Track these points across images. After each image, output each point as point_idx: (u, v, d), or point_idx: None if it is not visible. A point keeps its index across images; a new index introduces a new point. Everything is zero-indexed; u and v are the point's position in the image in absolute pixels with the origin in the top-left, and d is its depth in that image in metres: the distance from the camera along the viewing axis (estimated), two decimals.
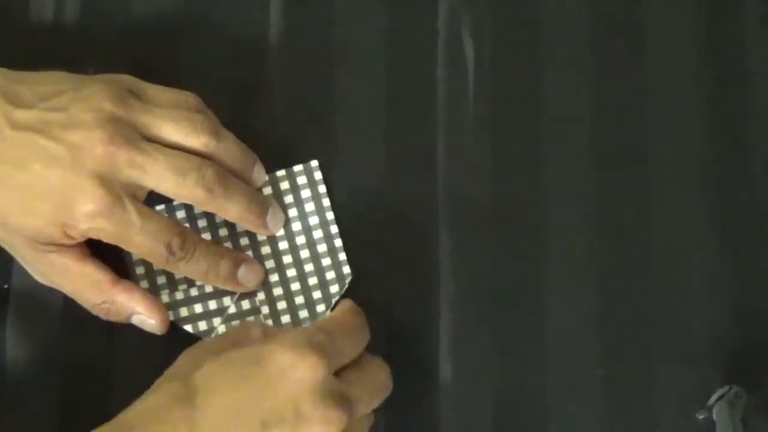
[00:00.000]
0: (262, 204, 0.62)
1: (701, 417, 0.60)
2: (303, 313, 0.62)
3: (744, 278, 0.63)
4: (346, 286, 0.62)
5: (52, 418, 0.61)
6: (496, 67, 0.66)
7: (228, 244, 0.63)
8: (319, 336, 0.54)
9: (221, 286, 0.61)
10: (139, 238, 0.57)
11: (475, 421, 0.62)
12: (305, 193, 0.64)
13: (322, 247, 0.63)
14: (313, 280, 0.62)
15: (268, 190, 0.63)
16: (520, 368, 0.62)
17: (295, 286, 0.62)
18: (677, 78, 0.65)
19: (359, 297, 0.62)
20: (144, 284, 0.62)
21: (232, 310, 0.62)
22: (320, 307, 0.62)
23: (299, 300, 0.62)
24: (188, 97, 0.61)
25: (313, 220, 0.63)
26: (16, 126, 0.57)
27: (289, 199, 0.64)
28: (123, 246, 0.58)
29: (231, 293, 0.62)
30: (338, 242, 0.63)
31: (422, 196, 0.64)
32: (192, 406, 0.52)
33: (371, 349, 0.61)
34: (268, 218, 0.62)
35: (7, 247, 0.60)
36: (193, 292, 0.62)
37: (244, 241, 0.63)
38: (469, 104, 0.65)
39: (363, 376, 0.56)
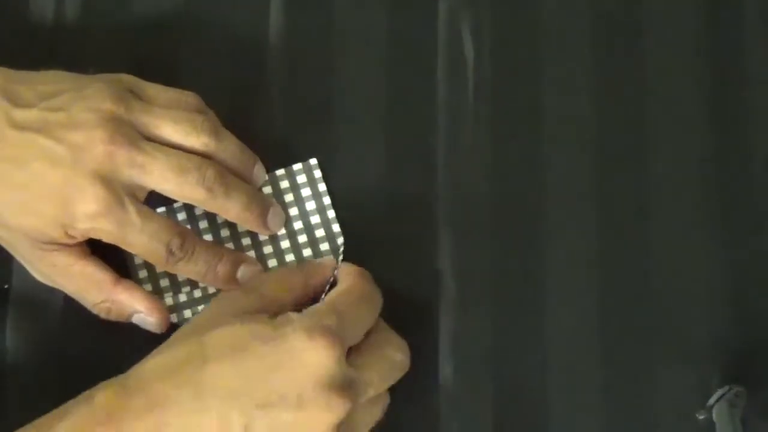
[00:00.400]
0: (263, 203, 0.62)
1: (701, 417, 0.60)
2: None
3: (744, 279, 0.63)
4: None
5: None
6: (496, 67, 0.66)
7: (230, 245, 0.63)
8: (331, 318, 0.54)
9: (221, 287, 0.61)
10: (139, 239, 0.57)
11: (475, 421, 0.62)
12: (305, 192, 0.64)
13: (323, 246, 0.63)
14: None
15: (267, 189, 0.63)
16: (520, 368, 0.62)
17: None
18: (677, 78, 0.65)
19: None
20: (147, 287, 0.62)
21: None
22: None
23: None
24: (189, 97, 0.61)
25: (314, 219, 0.63)
26: (16, 125, 0.57)
27: (289, 197, 0.64)
28: (123, 246, 0.58)
29: None
30: (340, 240, 0.63)
31: (422, 196, 0.64)
32: (201, 369, 0.53)
33: None
34: (269, 218, 0.62)
35: (7, 247, 0.60)
36: (197, 293, 0.62)
37: (246, 241, 0.63)
38: (469, 104, 0.65)
39: (376, 356, 0.56)
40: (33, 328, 0.62)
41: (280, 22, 0.66)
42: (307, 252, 0.63)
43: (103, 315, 0.60)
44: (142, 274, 0.62)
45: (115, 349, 0.62)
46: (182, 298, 0.62)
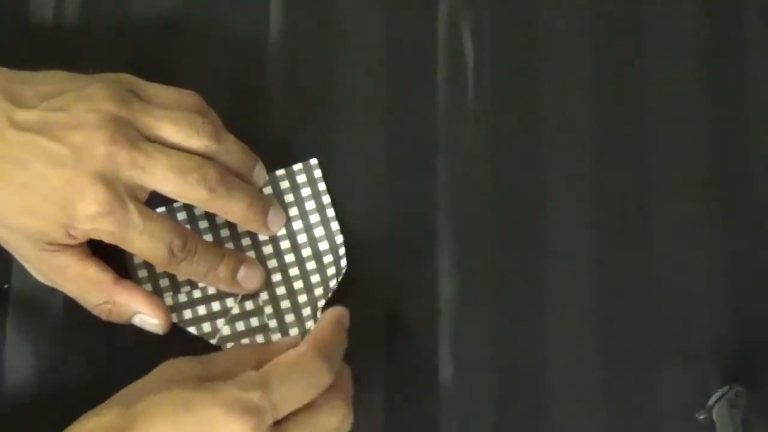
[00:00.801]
0: (264, 204, 0.62)
1: (701, 417, 0.60)
2: (306, 311, 0.62)
3: (744, 278, 0.63)
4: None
5: (52, 419, 0.61)
6: (496, 67, 0.66)
7: (230, 245, 0.63)
8: (256, 392, 0.52)
9: (221, 288, 0.61)
10: (141, 239, 0.57)
11: (475, 421, 0.62)
12: (305, 192, 0.64)
13: (323, 245, 0.63)
14: (315, 278, 0.62)
15: (268, 190, 0.63)
16: (520, 368, 0.62)
17: (298, 285, 0.62)
18: (677, 78, 0.65)
19: (359, 297, 0.62)
20: (147, 287, 0.62)
21: (235, 311, 0.62)
22: (321, 303, 0.62)
23: (302, 298, 0.62)
24: (189, 96, 0.61)
25: (314, 218, 0.63)
26: (17, 126, 0.57)
27: (289, 198, 0.64)
28: (124, 247, 0.58)
29: (234, 294, 0.62)
30: (339, 239, 0.63)
31: (422, 195, 0.64)
32: None
33: (372, 348, 0.61)
34: (269, 218, 0.62)
35: (8, 247, 0.60)
36: (196, 294, 0.62)
37: (246, 241, 0.63)
38: (469, 104, 0.65)
39: (309, 424, 0.54)
40: (33, 328, 0.62)
41: (280, 22, 0.66)
42: (306, 252, 0.63)
43: (103, 317, 0.60)
44: (142, 273, 0.62)
45: (115, 349, 0.62)
46: (182, 298, 0.62)
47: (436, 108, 0.65)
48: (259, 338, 0.61)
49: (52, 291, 0.61)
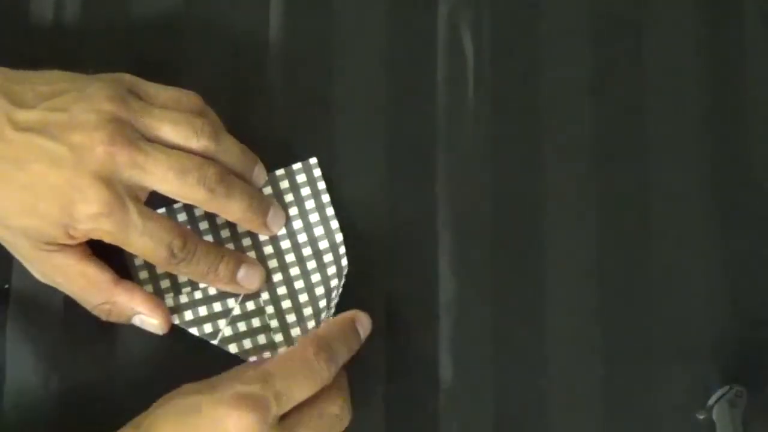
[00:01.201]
0: (264, 204, 0.62)
1: (701, 417, 0.60)
2: (307, 311, 0.62)
3: (744, 278, 0.63)
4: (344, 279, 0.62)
5: (52, 418, 0.61)
6: (496, 67, 0.66)
7: (230, 245, 0.63)
8: (255, 386, 0.54)
9: (222, 288, 0.61)
10: (141, 240, 0.57)
11: (475, 421, 0.62)
12: (305, 191, 0.64)
13: (323, 244, 0.63)
14: (315, 277, 0.62)
15: (267, 190, 0.63)
16: (520, 368, 0.62)
17: (299, 284, 0.62)
18: (677, 78, 0.65)
19: (359, 297, 0.62)
20: (148, 288, 0.62)
21: (236, 311, 0.62)
22: (322, 303, 0.62)
23: (303, 298, 0.62)
24: (189, 96, 0.61)
25: (314, 218, 0.63)
26: (17, 126, 0.56)
27: (289, 197, 0.64)
28: (124, 247, 0.58)
29: (235, 295, 0.62)
30: (339, 237, 0.63)
31: (422, 196, 0.64)
32: None
33: (371, 349, 0.61)
34: (269, 218, 0.62)
35: (8, 247, 0.60)
36: (197, 295, 0.62)
37: (246, 241, 0.63)
38: (469, 104, 0.65)
39: (308, 413, 0.55)
40: (33, 328, 0.62)
41: (280, 22, 0.66)
42: (306, 251, 0.63)
43: (103, 317, 0.60)
44: (143, 275, 0.62)
45: (115, 349, 0.62)
46: (183, 299, 0.62)
47: (436, 108, 0.65)
48: (261, 338, 0.61)
49: (52, 291, 0.61)
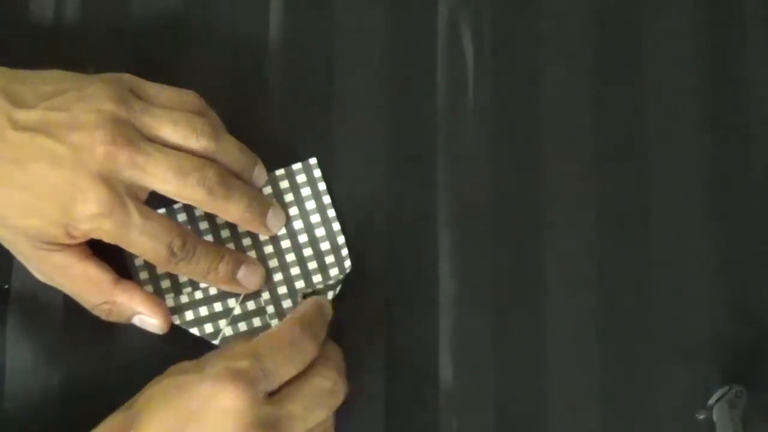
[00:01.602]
0: (263, 204, 0.62)
1: (701, 417, 0.60)
2: None
3: (744, 278, 0.63)
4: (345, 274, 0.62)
5: (53, 418, 0.61)
6: (496, 67, 0.66)
7: (230, 245, 0.63)
8: (244, 362, 0.54)
9: (222, 287, 0.61)
10: (141, 239, 0.57)
11: (475, 421, 0.62)
12: (305, 192, 0.64)
13: (324, 245, 0.63)
14: (317, 278, 0.62)
15: (267, 190, 0.63)
16: (520, 368, 0.62)
17: (299, 284, 0.62)
18: (677, 78, 0.65)
19: (359, 297, 0.62)
20: (148, 289, 0.62)
21: (237, 311, 0.62)
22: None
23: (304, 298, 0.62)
24: (189, 96, 0.61)
25: (315, 218, 0.63)
26: (17, 126, 0.56)
27: (289, 197, 0.64)
28: (124, 246, 0.58)
29: (236, 295, 0.62)
30: (341, 239, 0.63)
31: (422, 196, 0.64)
32: None
33: (372, 348, 0.61)
34: (269, 218, 0.62)
35: (8, 246, 0.60)
36: (198, 294, 0.62)
37: (247, 241, 0.63)
38: (469, 104, 0.65)
39: (300, 388, 0.56)
40: (33, 328, 0.62)
41: (280, 22, 0.66)
42: (307, 251, 0.63)
43: (103, 316, 0.60)
44: (143, 275, 0.62)
45: (115, 348, 0.62)
46: (184, 299, 0.62)
47: (436, 108, 0.65)
48: None
49: (52, 291, 0.61)
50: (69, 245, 0.58)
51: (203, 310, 0.62)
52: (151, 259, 0.58)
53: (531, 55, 0.66)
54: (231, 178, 0.60)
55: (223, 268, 0.60)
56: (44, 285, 0.61)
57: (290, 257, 0.63)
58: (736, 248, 0.64)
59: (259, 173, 0.62)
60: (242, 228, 0.63)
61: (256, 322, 0.62)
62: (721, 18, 0.66)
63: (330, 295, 0.62)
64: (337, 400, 0.57)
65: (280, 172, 0.64)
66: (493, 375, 0.62)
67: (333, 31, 0.66)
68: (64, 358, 0.62)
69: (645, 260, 0.63)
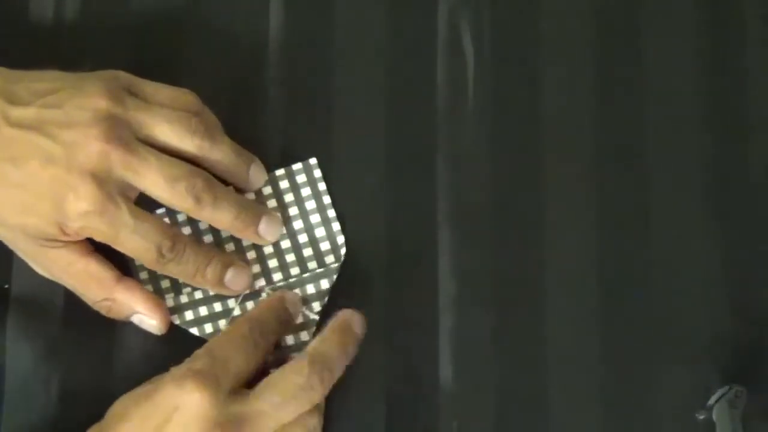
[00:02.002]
0: (255, 214, 0.61)
1: (701, 417, 0.60)
2: (308, 310, 0.62)
3: (744, 278, 0.63)
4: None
5: (53, 418, 0.61)
6: (496, 67, 0.66)
7: (230, 245, 0.63)
8: (200, 362, 0.55)
9: (209, 289, 0.61)
10: (131, 238, 0.57)
11: (475, 421, 0.62)
12: (305, 192, 0.64)
13: (324, 245, 0.63)
14: (317, 278, 0.62)
15: (268, 190, 0.63)
16: (520, 368, 0.62)
17: (300, 285, 0.62)
18: (677, 78, 0.65)
19: (359, 297, 0.62)
20: (148, 288, 0.62)
21: (237, 311, 0.62)
22: (325, 300, 0.62)
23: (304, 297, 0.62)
24: (186, 95, 0.61)
25: (315, 219, 0.63)
26: (12, 123, 0.57)
27: (289, 197, 0.64)
28: (114, 245, 0.58)
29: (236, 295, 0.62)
30: (341, 239, 0.63)
31: (422, 196, 0.64)
32: None
33: (372, 348, 0.61)
34: (261, 227, 0.62)
35: (9, 244, 0.60)
36: (198, 294, 0.62)
37: (246, 241, 0.63)
38: (469, 104, 0.65)
39: (272, 385, 0.56)
40: (33, 327, 0.62)
41: (280, 22, 0.66)
42: (307, 251, 0.63)
43: (103, 312, 0.60)
44: (143, 274, 0.62)
45: (115, 349, 0.62)
46: (183, 299, 0.62)
47: (436, 108, 0.65)
48: None
49: (53, 290, 0.61)
50: (69, 242, 0.58)
51: (203, 310, 0.62)
52: (139, 258, 0.58)
53: (531, 55, 0.66)
54: (220, 187, 0.60)
55: (210, 271, 0.60)
56: (44, 285, 0.61)
57: (290, 257, 0.63)
58: (736, 248, 0.64)
59: (256, 173, 0.62)
60: None
61: None
62: (721, 18, 0.66)
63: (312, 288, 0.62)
64: (313, 394, 0.56)
65: (280, 172, 0.64)
66: (493, 375, 0.62)
67: (333, 31, 0.66)
68: (64, 358, 0.62)
69: (645, 260, 0.63)
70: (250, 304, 0.62)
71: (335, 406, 0.61)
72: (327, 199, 0.64)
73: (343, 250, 0.63)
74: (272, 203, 0.63)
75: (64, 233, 0.57)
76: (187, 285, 0.62)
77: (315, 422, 0.57)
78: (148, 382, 0.56)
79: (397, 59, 0.66)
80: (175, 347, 0.59)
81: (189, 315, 0.62)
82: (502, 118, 0.65)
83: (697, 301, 0.63)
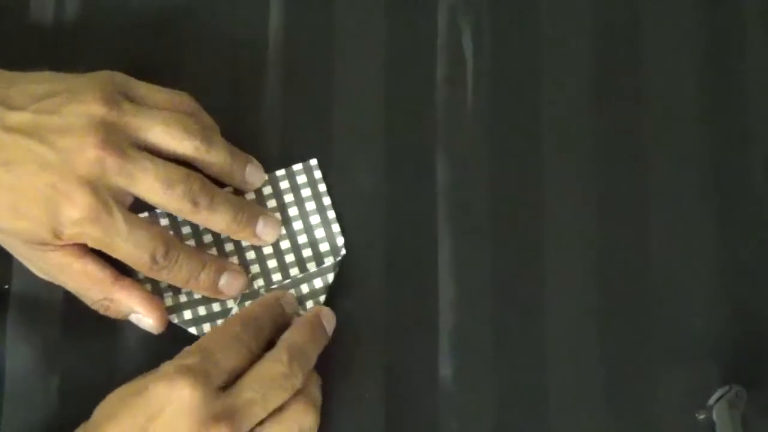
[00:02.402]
0: (251, 215, 0.61)
1: (701, 417, 0.60)
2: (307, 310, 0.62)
3: (744, 278, 0.63)
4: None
5: (53, 418, 0.61)
6: (496, 67, 0.66)
7: (230, 245, 0.63)
8: (191, 358, 0.55)
9: (204, 294, 0.61)
10: (124, 246, 0.57)
11: (475, 421, 0.62)
12: (306, 193, 0.64)
13: (324, 246, 0.63)
14: (317, 280, 0.62)
15: (268, 190, 0.63)
16: (520, 368, 0.62)
17: (298, 285, 0.62)
18: (677, 78, 0.65)
19: (359, 297, 0.62)
20: (147, 287, 0.61)
21: (235, 311, 0.62)
22: (322, 299, 0.62)
23: (302, 298, 0.62)
24: (181, 97, 0.61)
25: (315, 220, 0.63)
26: (7, 128, 0.56)
27: (289, 198, 0.64)
28: (108, 252, 0.58)
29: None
30: (340, 240, 0.63)
31: (422, 196, 0.64)
32: None
33: (372, 348, 0.61)
34: (259, 228, 0.62)
35: (6, 247, 0.60)
36: (196, 294, 0.62)
37: (246, 241, 0.63)
38: (469, 104, 0.65)
39: (255, 375, 0.56)
40: (33, 328, 0.62)
41: (280, 22, 0.66)
42: (307, 252, 0.63)
43: (101, 311, 0.60)
44: (141, 274, 0.62)
45: (114, 349, 0.62)
46: (182, 298, 0.62)
47: (436, 108, 0.65)
48: None
49: (52, 291, 0.61)
50: (65, 245, 0.58)
51: (202, 310, 0.62)
52: (133, 264, 0.58)
53: (531, 55, 0.66)
54: (216, 190, 0.60)
55: (204, 277, 0.60)
56: (44, 285, 0.61)
57: (289, 258, 0.63)
58: (736, 248, 0.64)
59: (253, 173, 0.62)
60: None
61: None
62: (721, 18, 0.66)
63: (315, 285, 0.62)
64: (295, 381, 0.57)
65: (280, 172, 0.64)
66: (493, 375, 0.62)
67: (333, 31, 0.66)
68: (64, 358, 0.62)
69: (645, 260, 0.63)
70: (248, 304, 0.62)
71: (335, 406, 0.61)
72: (327, 201, 0.64)
73: (342, 252, 0.63)
74: (272, 204, 0.63)
75: (59, 238, 0.57)
76: None
77: (311, 422, 0.57)
78: (136, 379, 0.56)
79: (397, 59, 0.66)
80: (174, 347, 0.59)
81: (188, 314, 0.62)
82: (502, 118, 0.65)
83: (697, 301, 0.63)
